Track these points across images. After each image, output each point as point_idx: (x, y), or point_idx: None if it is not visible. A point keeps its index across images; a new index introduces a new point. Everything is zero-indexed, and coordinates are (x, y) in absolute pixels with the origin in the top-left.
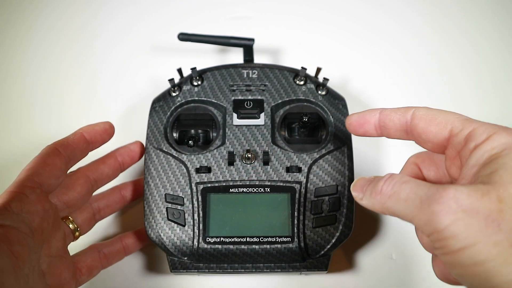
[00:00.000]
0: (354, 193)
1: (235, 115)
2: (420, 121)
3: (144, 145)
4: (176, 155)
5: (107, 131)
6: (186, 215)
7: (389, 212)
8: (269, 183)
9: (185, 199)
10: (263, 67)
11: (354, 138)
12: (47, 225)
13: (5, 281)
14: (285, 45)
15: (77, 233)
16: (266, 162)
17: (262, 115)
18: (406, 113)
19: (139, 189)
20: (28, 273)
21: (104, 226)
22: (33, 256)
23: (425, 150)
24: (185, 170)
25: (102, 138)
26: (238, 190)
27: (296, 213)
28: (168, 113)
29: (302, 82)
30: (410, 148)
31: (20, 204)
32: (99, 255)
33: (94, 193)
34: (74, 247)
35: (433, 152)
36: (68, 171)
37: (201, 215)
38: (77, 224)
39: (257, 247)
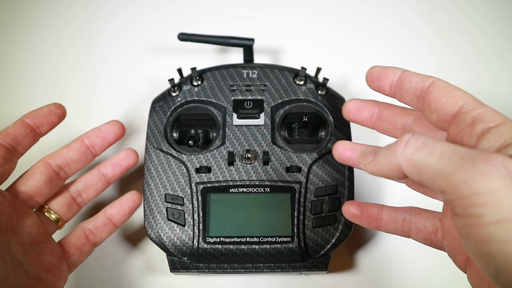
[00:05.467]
0: (363, 156)
1: (235, 115)
2: (435, 90)
3: (124, 127)
4: (176, 155)
5: (53, 112)
6: (186, 215)
7: (411, 166)
8: (269, 183)
9: (185, 199)
10: (263, 67)
11: (354, 138)
12: (0, 213)
13: None
14: (285, 45)
15: (60, 222)
16: (266, 162)
17: (262, 115)
18: (426, 79)
19: (120, 163)
20: None
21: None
22: None
23: None
24: (185, 170)
25: (49, 121)
26: (238, 190)
27: (296, 213)
28: (168, 113)
29: (302, 82)
30: None
31: None
32: (84, 232)
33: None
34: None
35: (435, 126)
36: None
37: (201, 215)
38: (54, 211)
39: (257, 247)
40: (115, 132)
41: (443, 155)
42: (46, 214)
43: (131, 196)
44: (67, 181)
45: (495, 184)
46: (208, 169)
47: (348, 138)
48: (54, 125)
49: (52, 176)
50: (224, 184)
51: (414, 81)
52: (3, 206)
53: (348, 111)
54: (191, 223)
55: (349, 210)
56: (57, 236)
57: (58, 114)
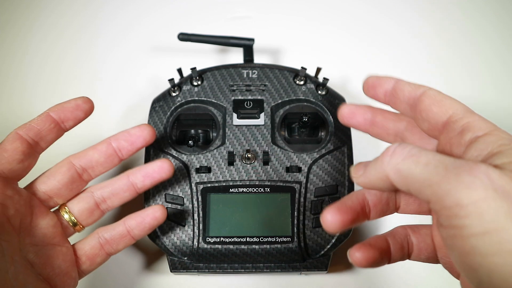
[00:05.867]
0: (354, 170)
1: (235, 115)
2: (427, 99)
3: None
4: (176, 155)
5: (79, 107)
6: (186, 215)
7: (398, 175)
8: (269, 183)
9: (185, 199)
10: (263, 67)
11: (354, 138)
12: (14, 212)
13: None
14: (285, 45)
15: (78, 226)
16: (266, 162)
17: (262, 115)
18: (418, 88)
19: (153, 174)
20: (6, 260)
21: None
22: (4, 244)
23: None
24: (185, 170)
25: (75, 116)
26: (238, 190)
27: (296, 213)
28: (168, 113)
29: (302, 82)
30: None
31: None
32: (99, 241)
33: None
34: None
35: (427, 134)
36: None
37: (201, 215)
38: (75, 215)
39: (257, 247)
40: (145, 137)
41: (428, 165)
42: (65, 216)
43: (153, 213)
44: (92, 184)
45: (478, 195)
46: (208, 169)
47: (348, 138)
48: (79, 121)
49: (74, 177)
50: (224, 184)
51: (406, 91)
52: (19, 205)
53: (342, 115)
54: (191, 223)
55: (365, 256)
56: (73, 238)
57: (85, 109)
